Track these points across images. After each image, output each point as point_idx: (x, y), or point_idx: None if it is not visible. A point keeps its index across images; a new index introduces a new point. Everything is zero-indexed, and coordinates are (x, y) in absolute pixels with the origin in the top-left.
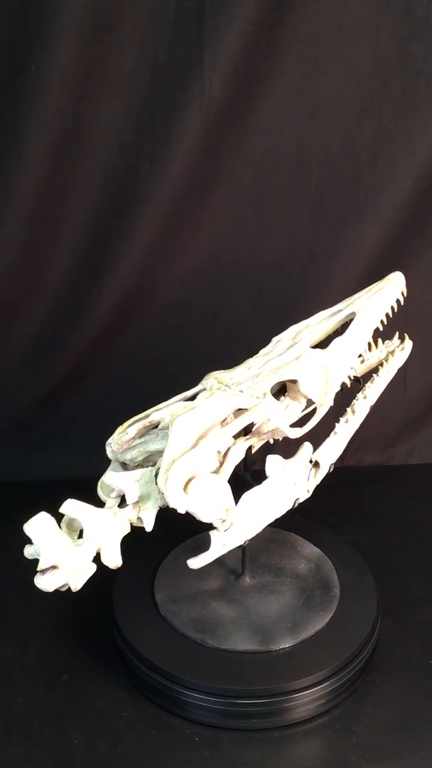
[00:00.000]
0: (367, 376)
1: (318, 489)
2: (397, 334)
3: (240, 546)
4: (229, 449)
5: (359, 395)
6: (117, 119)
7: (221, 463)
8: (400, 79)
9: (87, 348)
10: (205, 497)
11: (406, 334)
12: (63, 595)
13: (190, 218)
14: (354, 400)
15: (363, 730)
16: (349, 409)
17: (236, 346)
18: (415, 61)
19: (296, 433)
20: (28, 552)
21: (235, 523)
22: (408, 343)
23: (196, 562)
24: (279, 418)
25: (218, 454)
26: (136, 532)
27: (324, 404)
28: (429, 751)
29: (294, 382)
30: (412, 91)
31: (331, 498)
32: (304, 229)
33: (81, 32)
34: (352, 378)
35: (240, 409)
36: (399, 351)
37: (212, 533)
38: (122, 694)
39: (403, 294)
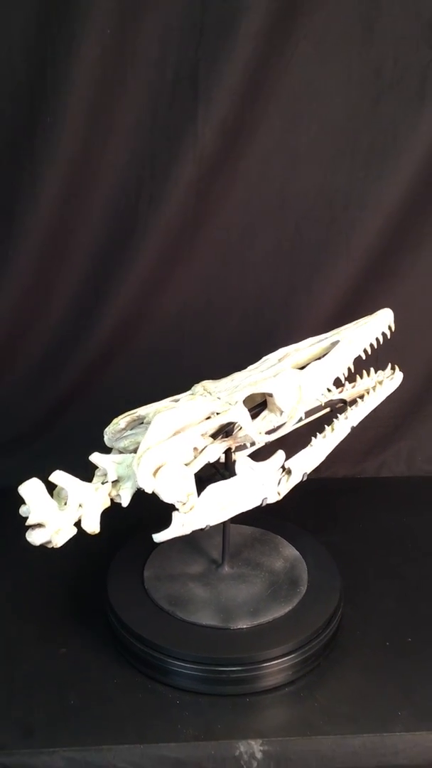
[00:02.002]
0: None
1: (298, 497)
2: (389, 365)
3: (201, 529)
4: (205, 447)
5: (341, 416)
6: (121, 164)
7: (195, 458)
8: (369, 133)
9: (88, 366)
10: (169, 482)
11: (397, 366)
12: (64, 577)
13: (184, 252)
14: (335, 420)
15: (325, 698)
16: (328, 427)
17: (224, 367)
18: (382, 118)
19: (262, 439)
20: (22, 510)
21: (196, 508)
22: (398, 374)
23: (159, 537)
24: (247, 424)
25: (195, 450)
26: (140, 519)
27: (293, 417)
28: (383, 715)
29: (270, 395)
30: (379, 143)
31: (308, 505)
32: (285, 263)
33: (91, 90)
34: (330, 400)
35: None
36: (388, 380)
37: (174, 513)
38: (113, 665)
39: (390, 328)
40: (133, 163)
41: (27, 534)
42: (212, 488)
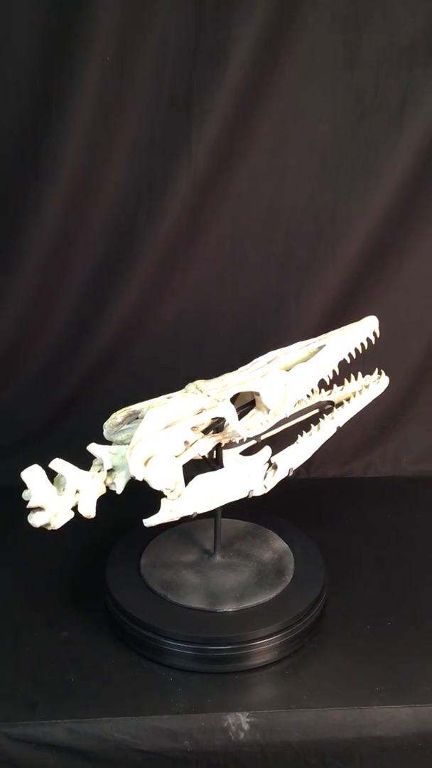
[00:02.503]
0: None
1: (289, 495)
2: (376, 369)
3: (189, 516)
4: (195, 441)
5: (327, 416)
6: (120, 181)
7: (185, 450)
8: (353, 152)
9: (90, 372)
10: (158, 471)
11: (383, 371)
12: (66, 569)
13: (179, 263)
14: (321, 419)
15: (308, 675)
16: (315, 426)
17: (218, 371)
18: (365, 138)
19: (248, 434)
20: (24, 494)
21: (183, 496)
22: (384, 379)
23: (149, 521)
24: (233, 419)
25: (186, 444)
26: (137, 515)
27: (278, 414)
28: (362, 690)
29: (258, 394)
30: (362, 162)
31: (299, 502)
32: (275, 273)
33: (92, 112)
34: (318, 402)
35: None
36: (374, 384)
37: (162, 500)
38: (111, 646)
39: (375, 335)
40: (131, 180)
41: (28, 516)
42: (200, 478)
